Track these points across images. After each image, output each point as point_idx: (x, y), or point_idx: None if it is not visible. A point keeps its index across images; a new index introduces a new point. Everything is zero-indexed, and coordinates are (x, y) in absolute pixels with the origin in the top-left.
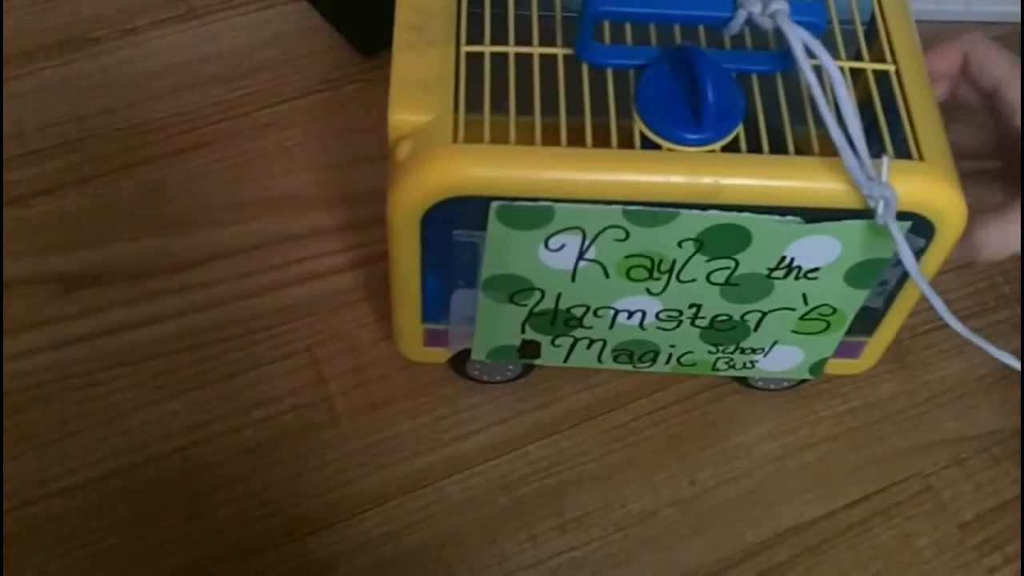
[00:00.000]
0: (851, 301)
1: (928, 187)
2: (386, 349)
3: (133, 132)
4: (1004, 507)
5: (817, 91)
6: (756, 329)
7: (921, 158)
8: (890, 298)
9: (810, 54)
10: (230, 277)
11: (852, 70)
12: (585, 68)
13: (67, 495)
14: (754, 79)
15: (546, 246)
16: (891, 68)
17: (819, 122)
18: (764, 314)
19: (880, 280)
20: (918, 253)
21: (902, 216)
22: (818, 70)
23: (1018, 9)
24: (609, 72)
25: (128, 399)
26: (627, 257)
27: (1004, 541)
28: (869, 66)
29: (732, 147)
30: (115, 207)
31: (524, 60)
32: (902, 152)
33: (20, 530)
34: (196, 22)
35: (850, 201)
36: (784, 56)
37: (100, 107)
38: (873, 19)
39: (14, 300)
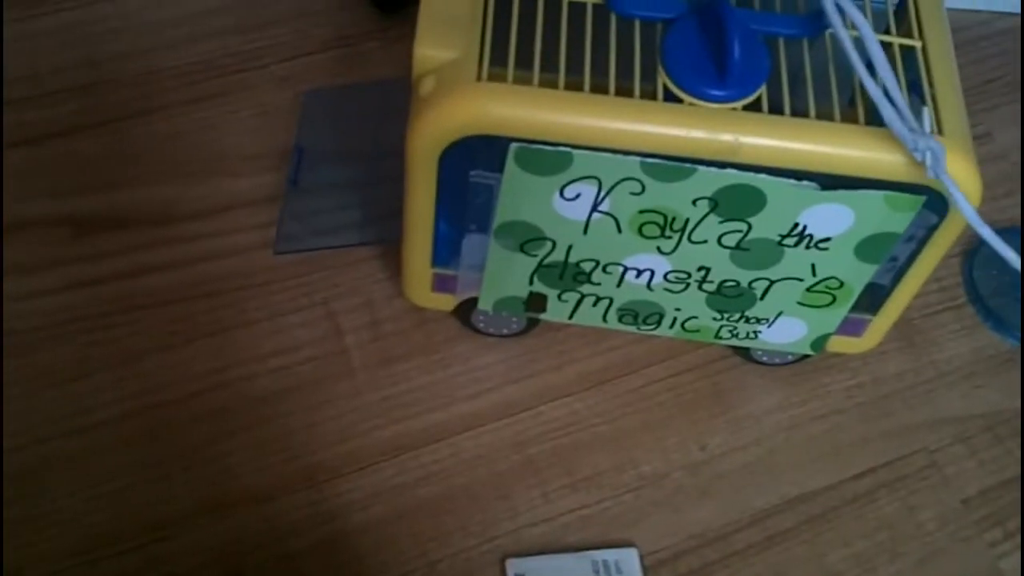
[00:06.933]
0: (859, 275)
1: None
2: (401, 305)
3: (149, 79)
4: (1006, 484)
5: (848, 43)
6: (763, 297)
7: (941, 133)
8: (898, 276)
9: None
10: (246, 227)
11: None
12: (613, 18)
13: (81, 435)
14: (780, 43)
15: (561, 194)
16: (918, 44)
17: (842, 90)
18: (772, 282)
19: (890, 256)
20: (930, 230)
21: (916, 191)
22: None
23: None
24: (637, 24)
25: (144, 343)
26: (641, 212)
27: (1005, 516)
28: (897, 40)
29: (754, 107)
30: (129, 152)
31: (553, 5)
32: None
33: (33, 467)
34: None
35: (870, 169)
36: (812, 22)
37: (115, 52)
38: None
39: (28, 240)
